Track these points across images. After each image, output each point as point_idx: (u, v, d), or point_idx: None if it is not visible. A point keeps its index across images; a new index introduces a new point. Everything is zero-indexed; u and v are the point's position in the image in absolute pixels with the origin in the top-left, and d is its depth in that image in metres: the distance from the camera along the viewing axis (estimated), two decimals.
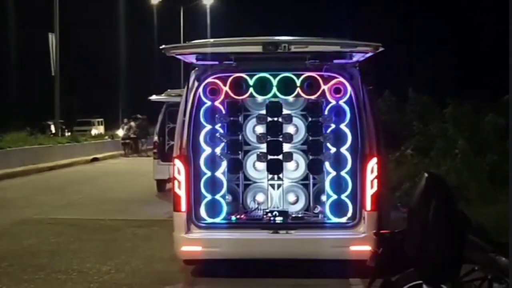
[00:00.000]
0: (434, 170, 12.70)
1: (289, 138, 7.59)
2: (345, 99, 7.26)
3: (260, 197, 7.84)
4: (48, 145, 26.29)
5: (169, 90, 15.34)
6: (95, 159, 27.60)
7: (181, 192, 7.10)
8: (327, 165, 7.39)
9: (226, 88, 7.31)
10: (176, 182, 7.13)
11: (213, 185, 7.36)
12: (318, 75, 7.22)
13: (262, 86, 7.30)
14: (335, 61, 7.01)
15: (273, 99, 7.48)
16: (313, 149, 7.56)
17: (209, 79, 7.25)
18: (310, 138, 7.62)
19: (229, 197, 7.71)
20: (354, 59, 7.04)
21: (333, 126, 7.34)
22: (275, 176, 7.81)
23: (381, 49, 6.56)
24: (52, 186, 17.99)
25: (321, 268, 7.36)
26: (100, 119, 40.59)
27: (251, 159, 7.83)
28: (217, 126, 7.42)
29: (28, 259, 8.48)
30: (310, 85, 7.28)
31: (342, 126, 7.31)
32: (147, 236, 10.12)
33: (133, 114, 33.68)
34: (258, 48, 6.76)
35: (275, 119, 7.54)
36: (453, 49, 37.38)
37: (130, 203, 13.92)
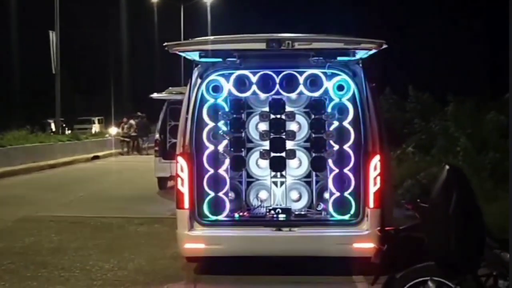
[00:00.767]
0: (436, 167, 12.74)
1: (292, 135, 7.58)
2: (348, 96, 7.25)
3: (263, 195, 7.84)
4: (49, 143, 26.29)
5: (170, 87, 15.35)
6: (95, 157, 27.60)
7: (184, 189, 7.09)
8: (330, 162, 7.38)
9: (229, 85, 7.31)
10: (179, 180, 7.11)
11: (216, 182, 7.36)
12: (321, 72, 7.22)
13: (265, 83, 7.29)
14: (339, 58, 6.99)
15: (276, 96, 7.48)
16: (316, 147, 7.55)
17: (212, 76, 7.24)
18: (313, 135, 7.62)
19: (232, 195, 7.71)
20: (357, 56, 7.03)
21: (336, 123, 7.33)
22: (278, 174, 7.81)
23: (384, 46, 6.56)
24: (53, 184, 17.99)
25: (324, 266, 7.35)
26: (100, 117, 40.60)
27: (254, 157, 7.82)
28: (220, 124, 7.41)
29: (31, 257, 8.48)
30: (313, 82, 7.27)
31: (345, 124, 7.30)
32: (149, 234, 10.12)
33: (134, 112, 33.68)
34: (262, 45, 6.75)
35: (278, 116, 7.52)
36: (454, 46, 37.34)
37: (132, 201, 13.91)
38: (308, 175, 7.83)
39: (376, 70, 7.69)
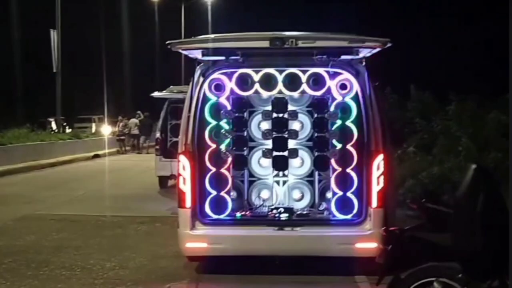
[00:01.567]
0: (438, 167, 12.71)
1: (294, 134, 7.55)
2: (351, 95, 7.21)
3: (265, 194, 7.81)
4: (50, 141, 26.26)
5: (171, 86, 15.33)
6: (96, 156, 27.57)
7: (186, 188, 7.06)
8: (332, 161, 7.34)
9: (231, 84, 7.27)
10: (181, 178, 7.08)
11: (218, 181, 7.32)
12: (324, 71, 7.18)
13: (268, 82, 7.25)
14: (342, 56, 6.95)
15: (278, 95, 7.44)
16: (319, 146, 7.52)
17: (214, 75, 7.20)
18: (316, 134, 7.58)
19: (234, 194, 7.67)
20: (361, 54, 6.99)
21: (339, 122, 7.29)
22: (280, 173, 7.78)
23: (389, 44, 6.52)
24: (54, 182, 17.96)
25: (326, 266, 7.32)
26: (100, 116, 40.55)
27: (256, 156, 7.79)
28: (222, 122, 7.37)
29: (31, 255, 8.45)
30: (316, 81, 7.22)
31: (348, 123, 7.26)
32: (150, 233, 10.09)
33: (134, 111, 33.62)
34: (265, 43, 6.71)
35: (281, 115, 7.49)
36: (455, 45, 37.29)
37: (132, 200, 13.89)
38: (311, 174, 7.80)
39: (379, 68, 7.63)
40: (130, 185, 16.85)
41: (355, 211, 7.18)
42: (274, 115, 7.51)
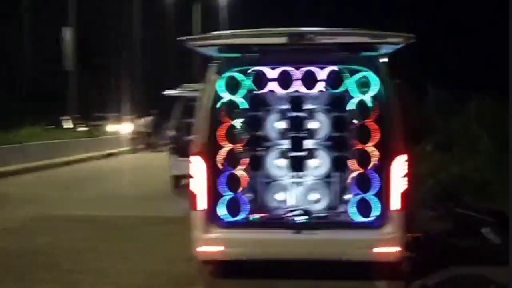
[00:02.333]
0: (458, 167, 12.42)
1: (312, 134, 7.29)
2: (371, 93, 6.95)
3: (281, 195, 7.55)
4: (64, 140, 26.20)
5: (184, 84, 15.12)
6: (110, 154, 27.50)
7: (200, 190, 6.85)
8: (351, 162, 7.08)
9: (246, 82, 7.03)
10: (194, 180, 6.87)
11: (233, 182, 7.07)
12: (343, 68, 6.93)
13: (285, 80, 7.01)
14: (362, 53, 6.69)
15: (295, 93, 7.18)
16: (337, 146, 7.25)
17: (229, 73, 6.97)
18: (334, 134, 7.32)
19: (249, 195, 7.43)
20: (382, 51, 6.73)
21: (358, 121, 7.03)
22: (297, 174, 7.52)
23: (412, 40, 6.26)
24: (68, 181, 17.87)
25: (345, 270, 7.06)
26: (116, 114, 40.54)
27: (272, 156, 7.53)
28: (237, 122, 7.12)
29: (43, 258, 8.28)
30: (335, 79, 6.98)
31: (368, 122, 6.99)
32: (165, 234, 9.88)
33: (147, 109, 33.46)
34: (283, 39, 6.46)
35: (298, 114, 7.23)
36: (475, 42, 36.77)
37: (147, 199, 13.73)
38: (329, 175, 7.53)
39: (402, 65, 7.38)
40: (144, 184, 16.68)
41: (375, 213, 6.91)
42: (291, 114, 7.25)
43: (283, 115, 7.32)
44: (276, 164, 7.55)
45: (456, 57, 36.08)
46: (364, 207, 6.96)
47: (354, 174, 7.05)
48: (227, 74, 6.95)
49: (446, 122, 15.98)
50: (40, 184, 17.13)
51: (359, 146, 7.00)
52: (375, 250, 6.71)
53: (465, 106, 15.46)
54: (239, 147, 7.11)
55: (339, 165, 7.30)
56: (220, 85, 6.97)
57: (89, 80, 41.42)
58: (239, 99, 7.11)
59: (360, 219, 6.98)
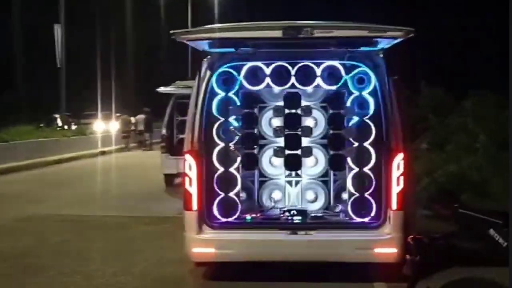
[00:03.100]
0: (454, 165, 12.22)
1: (308, 131, 7.08)
2: (369, 89, 6.73)
3: (276, 195, 7.34)
4: (54, 138, 25.90)
5: (177, 81, 14.88)
6: (102, 153, 27.20)
7: (192, 189, 6.62)
8: (349, 160, 6.87)
9: (241, 78, 6.81)
10: (187, 179, 6.64)
11: (227, 182, 6.85)
12: (340, 63, 6.72)
13: (280, 76, 6.79)
14: (360, 48, 6.48)
15: (291, 90, 6.97)
16: (334, 144, 7.05)
17: (223, 68, 6.75)
18: (331, 131, 7.12)
19: (243, 195, 7.22)
20: (379, 46, 6.52)
21: (355, 118, 6.81)
22: (293, 173, 7.31)
23: (411, 34, 6.05)
24: (58, 180, 17.60)
25: (342, 272, 6.86)
26: (107, 112, 40.20)
27: (267, 154, 7.32)
28: (231, 119, 6.89)
29: (30, 260, 8.03)
30: (331, 75, 6.76)
31: (366, 119, 6.77)
32: (157, 235, 9.65)
33: (142, 107, 33.13)
34: (278, 33, 6.22)
35: (293, 111, 7.01)
36: (467, 39, 36.62)
37: (139, 199, 13.48)
38: (325, 174, 7.33)
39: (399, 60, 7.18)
40: (136, 183, 16.42)
41: (373, 213, 6.72)
42: (286, 111, 7.03)
43: (278, 112, 7.10)
44: (271, 163, 7.34)
45: (452, 55, 35.92)
46: (361, 207, 6.77)
47: (351, 173, 6.85)
48: (220, 69, 6.72)
49: (441, 120, 15.82)
50: (29, 183, 16.83)
51: (356, 145, 6.79)
52: (373, 251, 6.54)
53: (461, 104, 15.30)
54: (232, 145, 6.89)
55: (335, 164, 7.10)
56: (212, 81, 6.74)
57: (82, 77, 41.05)
58: (232, 95, 6.88)
59: (357, 219, 6.78)
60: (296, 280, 6.84)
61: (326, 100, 7.21)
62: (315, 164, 7.31)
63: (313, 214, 7.05)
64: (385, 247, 6.50)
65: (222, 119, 6.86)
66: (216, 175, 6.83)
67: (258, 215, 7.08)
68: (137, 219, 10.89)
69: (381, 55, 6.72)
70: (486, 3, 34.75)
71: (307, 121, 7.18)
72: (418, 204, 9.33)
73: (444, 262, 4.13)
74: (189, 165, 6.64)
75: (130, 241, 9.20)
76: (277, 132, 7.12)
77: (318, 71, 6.76)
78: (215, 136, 6.85)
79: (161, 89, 14.87)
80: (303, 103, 7.08)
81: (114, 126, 33.47)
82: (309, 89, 7.07)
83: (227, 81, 6.79)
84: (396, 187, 6.53)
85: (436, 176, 12.15)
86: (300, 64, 6.75)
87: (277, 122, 7.20)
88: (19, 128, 25.42)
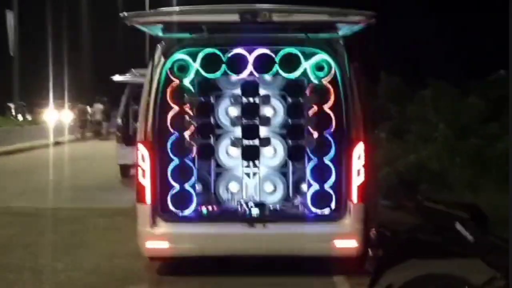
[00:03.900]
0: (414, 155, 12.18)
1: (266, 121, 6.85)
2: (329, 77, 6.56)
3: (233, 187, 7.08)
4: (6, 127, 25.18)
5: (133, 69, 14.49)
6: (57, 143, 26.57)
7: (146, 181, 6.41)
8: (308, 151, 6.69)
9: (196, 65, 6.55)
10: (140, 170, 6.41)
11: (182, 173, 6.63)
12: (299, 50, 6.50)
13: (237, 63, 6.55)
14: (320, 34, 6.27)
15: (248, 78, 6.72)
16: (293, 134, 6.84)
17: (177, 55, 6.47)
18: (290, 121, 6.90)
19: (199, 187, 6.95)
20: (341, 33, 6.33)
21: (315, 108, 6.63)
22: (251, 163, 7.06)
23: (373, 20, 5.86)
24: (8, 171, 17.11)
25: (301, 265, 6.68)
26: (60, 101, 39.44)
27: (223, 144, 7.06)
28: (186, 108, 6.63)
29: None
30: (290, 62, 6.55)
31: (326, 108, 6.61)
32: (110, 227, 9.33)
33: (97, 96, 32.48)
34: (235, 17, 5.99)
35: (251, 100, 6.78)
36: (424, 31, 36.93)
37: (93, 190, 13.14)
38: (284, 165, 7.10)
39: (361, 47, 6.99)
40: (90, 175, 16.02)
41: (333, 205, 6.58)
42: (244, 99, 6.80)
43: (235, 101, 6.86)
44: (228, 153, 7.09)
45: (412, 44, 36.12)
46: (321, 199, 6.63)
47: (311, 164, 6.67)
48: (174, 56, 6.44)
49: (400, 109, 15.78)
50: None
51: (316, 135, 6.60)
52: (332, 244, 6.40)
53: (420, 93, 15.28)
54: (188, 135, 6.62)
55: (295, 155, 6.91)
56: (167, 69, 6.46)
57: (35, 65, 40.02)
58: (187, 83, 6.61)
59: (317, 211, 6.62)
60: (253, 274, 6.63)
61: (285, 89, 6.98)
62: (273, 154, 7.08)
63: (271, 207, 6.84)
64: (346, 240, 6.39)
65: (177, 108, 6.60)
66: (170, 166, 6.57)
67: (214, 207, 6.83)
68: (89, 211, 10.57)
69: (342, 42, 6.54)
70: None
71: (266, 110, 6.94)
72: (379, 195, 9.23)
73: (406, 256, 3.96)
74: (142, 155, 6.42)
75: (81, 235, 8.90)
76: (234, 121, 6.87)
77: (277, 58, 6.55)
78: (169, 125, 6.59)
79: (116, 77, 14.46)
80: (261, 91, 6.85)
81: (67, 115, 32.73)
82: (268, 77, 6.84)
83: (181, 68, 6.53)
84: (357, 178, 6.41)
85: (396, 166, 12.10)
86: (258, 51, 6.52)
87: (234, 111, 6.95)
88: None
